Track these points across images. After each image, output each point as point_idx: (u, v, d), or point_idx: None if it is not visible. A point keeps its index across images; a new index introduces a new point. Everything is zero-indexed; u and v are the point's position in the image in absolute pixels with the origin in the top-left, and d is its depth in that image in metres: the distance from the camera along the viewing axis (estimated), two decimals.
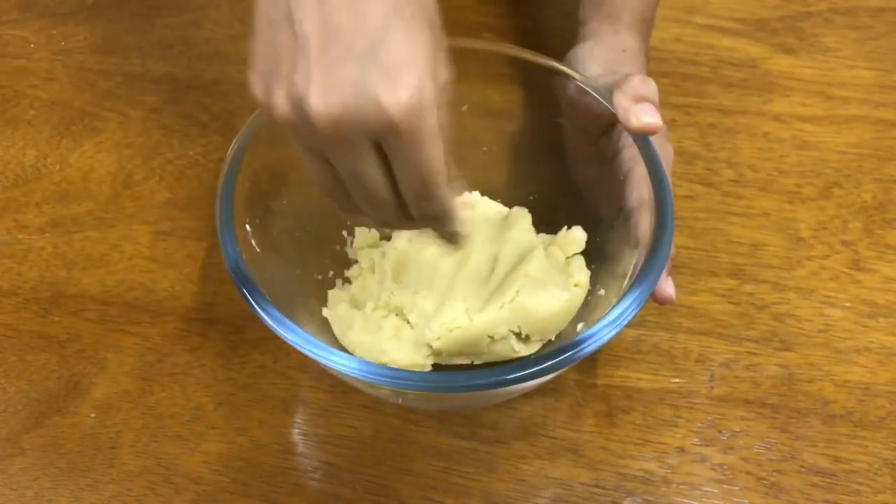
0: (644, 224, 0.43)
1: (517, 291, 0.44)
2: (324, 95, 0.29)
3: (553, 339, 0.47)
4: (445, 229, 0.37)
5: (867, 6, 0.66)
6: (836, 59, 0.63)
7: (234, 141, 0.44)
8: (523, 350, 0.45)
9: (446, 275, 0.47)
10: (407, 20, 0.30)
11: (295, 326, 0.38)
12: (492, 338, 0.44)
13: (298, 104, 0.30)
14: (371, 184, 0.33)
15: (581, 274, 0.47)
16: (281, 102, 0.31)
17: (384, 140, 0.31)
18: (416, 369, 0.45)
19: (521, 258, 0.47)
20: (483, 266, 0.48)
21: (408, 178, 0.32)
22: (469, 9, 0.67)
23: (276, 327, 0.38)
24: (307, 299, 0.48)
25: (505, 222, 0.49)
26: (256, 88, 0.32)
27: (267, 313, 0.39)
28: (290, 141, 0.33)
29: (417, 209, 0.34)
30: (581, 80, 0.47)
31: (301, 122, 0.31)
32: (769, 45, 0.64)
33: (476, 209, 0.51)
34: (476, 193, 0.52)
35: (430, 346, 0.45)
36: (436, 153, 0.32)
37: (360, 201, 0.35)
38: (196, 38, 0.66)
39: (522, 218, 0.49)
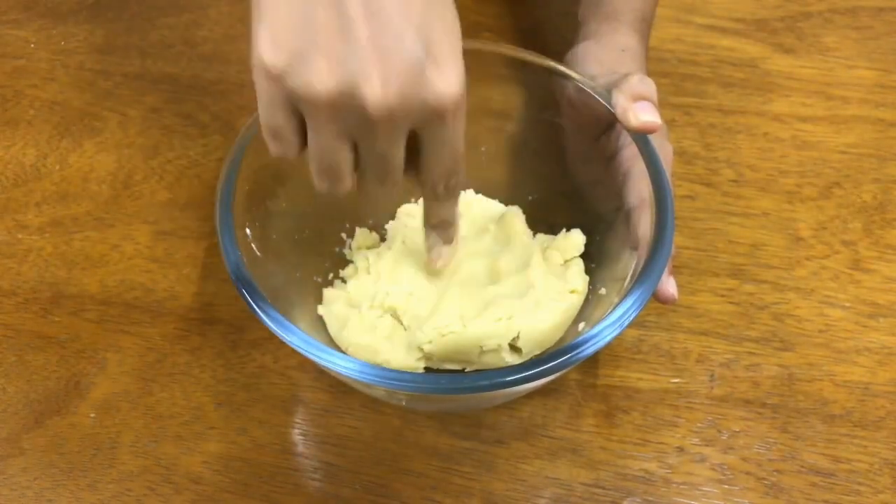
0: (644, 223, 0.43)
1: (511, 316, 0.44)
2: (382, 84, 0.31)
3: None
4: (446, 218, 0.40)
5: (867, 6, 0.66)
6: (836, 59, 0.63)
7: (235, 141, 0.44)
8: (515, 361, 0.45)
9: (441, 278, 0.47)
10: (444, 6, 0.32)
11: (294, 328, 0.38)
12: (482, 348, 0.44)
13: (351, 88, 0.31)
14: (395, 164, 0.35)
15: (578, 280, 0.46)
16: (323, 80, 0.31)
17: (428, 126, 0.33)
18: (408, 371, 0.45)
19: (519, 264, 0.47)
20: (479, 270, 0.48)
21: (443, 158, 0.35)
22: (469, 9, 0.67)
23: (275, 328, 0.38)
24: (306, 299, 0.48)
25: (500, 224, 0.49)
26: (277, 58, 0.31)
27: (266, 314, 0.39)
28: (309, 116, 0.33)
29: (444, 189, 0.37)
30: (580, 80, 0.46)
31: (347, 103, 0.31)
32: (769, 45, 0.64)
33: (472, 208, 0.51)
34: (471, 192, 0.52)
35: (422, 350, 0.45)
36: (462, 134, 0.35)
37: (375, 181, 0.36)
38: (196, 38, 0.66)
39: (518, 220, 0.49)
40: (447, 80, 0.32)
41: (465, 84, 0.33)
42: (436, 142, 0.35)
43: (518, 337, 0.44)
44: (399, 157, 0.35)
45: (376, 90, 0.30)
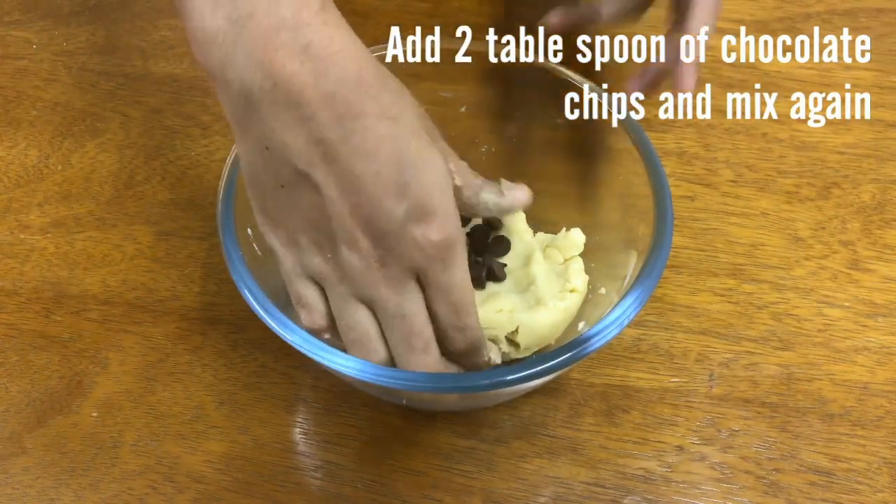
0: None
1: (512, 309, 0.44)
2: (368, 247, 0.35)
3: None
4: (473, 361, 0.40)
5: (866, 7, 0.66)
6: (835, 59, 0.63)
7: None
8: (512, 354, 0.45)
9: None
10: (418, 164, 0.34)
11: (295, 326, 0.39)
12: None
13: (345, 256, 0.35)
14: (417, 323, 0.37)
15: (578, 278, 0.46)
16: (318, 260, 0.36)
17: (423, 274, 0.36)
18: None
19: (520, 263, 0.47)
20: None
21: (444, 306, 0.36)
22: (469, 9, 0.67)
23: (276, 328, 0.39)
24: None
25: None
26: (277, 239, 0.37)
27: (268, 314, 0.39)
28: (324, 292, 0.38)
29: (452, 341, 0.38)
30: (579, 80, 0.47)
31: (344, 274, 0.36)
32: (769, 46, 0.64)
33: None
34: None
35: None
36: (466, 277, 0.36)
37: (403, 345, 0.37)
38: None
39: (518, 219, 0.49)
40: (430, 230, 0.34)
41: (455, 228, 0.35)
42: (435, 286, 0.36)
43: (517, 331, 0.44)
44: (419, 315, 0.36)
45: (363, 250, 0.34)
